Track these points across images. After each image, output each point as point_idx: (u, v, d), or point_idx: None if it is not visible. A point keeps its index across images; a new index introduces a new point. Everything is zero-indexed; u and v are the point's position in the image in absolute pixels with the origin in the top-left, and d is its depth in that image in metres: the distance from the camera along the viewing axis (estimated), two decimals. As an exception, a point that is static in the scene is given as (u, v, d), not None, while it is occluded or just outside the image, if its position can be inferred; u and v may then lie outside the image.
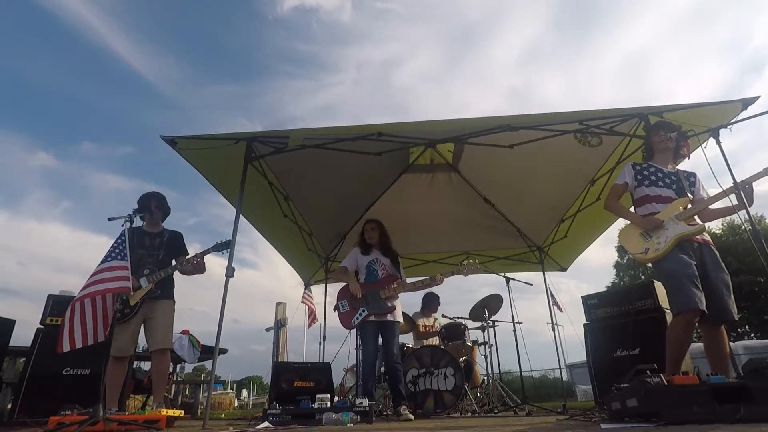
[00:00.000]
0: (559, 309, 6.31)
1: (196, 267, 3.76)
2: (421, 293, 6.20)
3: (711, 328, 2.69)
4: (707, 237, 2.84)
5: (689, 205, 2.85)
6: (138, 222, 3.38)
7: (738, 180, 2.73)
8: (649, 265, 2.92)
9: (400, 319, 4.13)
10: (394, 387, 3.88)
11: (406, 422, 3.51)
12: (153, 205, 3.70)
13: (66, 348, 2.83)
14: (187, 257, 3.75)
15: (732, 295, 2.65)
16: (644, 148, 3.27)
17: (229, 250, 3.68)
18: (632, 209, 3.10)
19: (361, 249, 4.40)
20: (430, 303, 6.11)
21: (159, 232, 3.77)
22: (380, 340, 4.05)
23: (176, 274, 3.73)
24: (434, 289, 6.26)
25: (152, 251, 3.64)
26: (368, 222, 4.51)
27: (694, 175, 3.06)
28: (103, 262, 2.95)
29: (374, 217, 4.67)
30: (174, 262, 3.72)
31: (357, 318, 3.99)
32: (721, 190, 2.77)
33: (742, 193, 2.70)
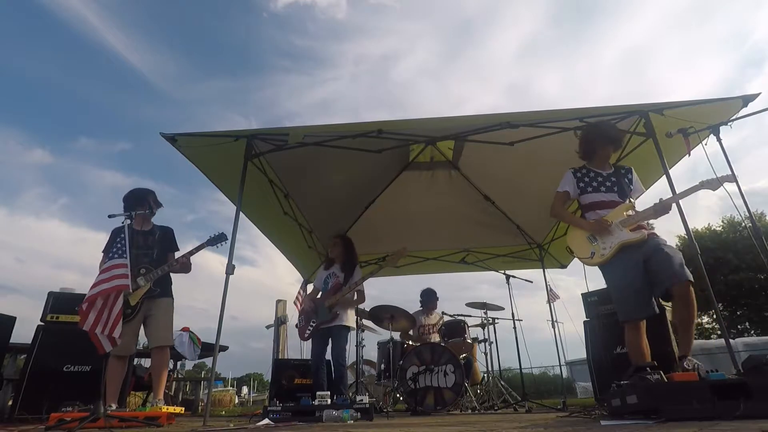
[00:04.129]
0: (555, 297, 6.31)
1: (183, 266, 3.71)
2: (420, 290, 6.23)
3: (676, 295, 2.66)
4: (651, 231, 2.91)
5: (631, 211, 2.93)
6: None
7: (736, 175, 2.76)
8: None
9: (347, 323, 4.22)
10: (335, 385, 4.02)
11: (405, 419, 3.51)
12: (151, 201, 3.68)
13: (108, 348, 2.86)
14: (181, 254, 3.71)
15: (683, 262, 2.67)
16: (582, 150, 3.24)
17: (224, 242, 3.66)
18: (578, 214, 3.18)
19: (324, 264, 4.68)
20: (429, 300, 6.10)
21: (151, 229, 3.75)
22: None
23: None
24: (432, 285, 6.31)
25: (146, 250, 3.61)
26: (333, 237, 4.71)
27: (630, 171, 3.15)
28: (105, 263, 2.99)
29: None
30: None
31: (308, 330, 4.26)
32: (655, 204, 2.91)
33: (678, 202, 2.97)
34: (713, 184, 2.76)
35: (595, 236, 2.92)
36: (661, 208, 2.88)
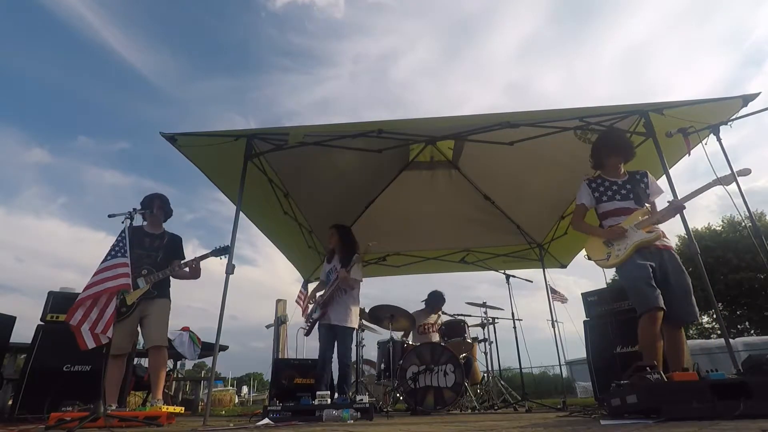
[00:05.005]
0: (561, 300, 6.31)
1: (193, 272, 3.80)
2: (424, 289, 6.25)
3: (672, 328, 2.78)
4: (668, 242, 2.94)
5: (647, 216, 2.97)
6: (139, 221, 3.51)
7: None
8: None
9: (351, 324, 4.17)
10: (339, 385, 4.01)
11: (405, 418, 3.51)
12: (156, 205, 3.73)
13: (91, 345, 2.85)
14: (184, 261, 3.76)
15: (693, 297, 2.75)
16: (593, 160, 3.31)
17: (225, 255, 3.67)
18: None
19: (327, 257, 4.62)
20: (435, 301, 6.10)
21: (160, 233, 3.81)
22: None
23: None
24: (432, 285, 6.32)
25: (151, 252, 3.66)
26: (329, 228, 4.65)
27: (645, 174, 3.17)
28: (104, 260, 3.01)
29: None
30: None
31: (307, 326, 4.29)
32: (667, 204, 3.00)
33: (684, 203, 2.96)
34: (728, 179, 2.77)
35: (611, 241, 2.97)
36: (674, 209, 2.94)
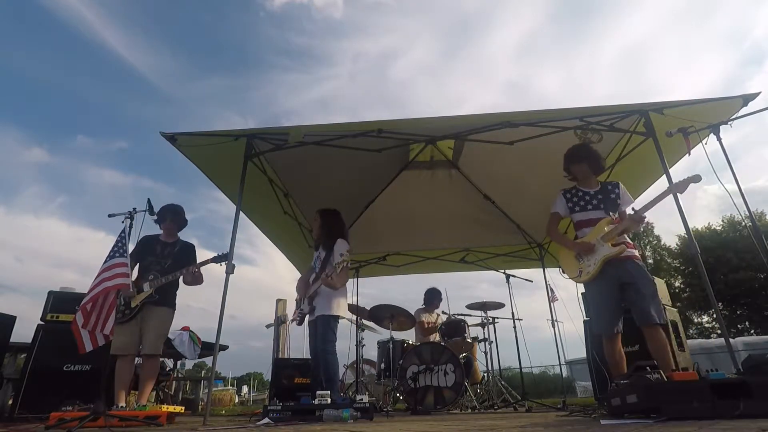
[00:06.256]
0: (554, 299, 6.32)
1: (195, 278, 3.83)
2: (424, 289, 6.24)
3: (645, 334, 2.89)
4: (630, 252, 3.04)
5: (611, 225, 3.07)
6: (155, 230, 3.83)
7: (736, 174, 2.80)
8: None
9: (331, 311, 3.85)
10: (325, 378, 3.71)
11: (405, 418, 3.51)
12: (169, 217, 3.86)
13: (89, 348, 2.90)
14: (187, 268, 3.76)
15: (656, 301, 2.89)
16: (569, 176, 3.46)
17: (227, 261, 3.68)
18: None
19: (315, 244, 4.37)
20: (432, 299, 6.11)
21: (172, 242, 3.90)
22: None
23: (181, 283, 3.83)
24: (432, 285, 6.33)
25: (161, 259, 3.74)
26: (314, 213, 4.36)
27: (617, 185, 3.31)
28: (105, 262, 3.04)
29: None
30: None
31: (297, 316, 4.09)
32: (629, 214, 3.07)
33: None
34: (680, 186, 2.93)
35: (581, 255, 3.12)
36: (635, 220, 3.04)
